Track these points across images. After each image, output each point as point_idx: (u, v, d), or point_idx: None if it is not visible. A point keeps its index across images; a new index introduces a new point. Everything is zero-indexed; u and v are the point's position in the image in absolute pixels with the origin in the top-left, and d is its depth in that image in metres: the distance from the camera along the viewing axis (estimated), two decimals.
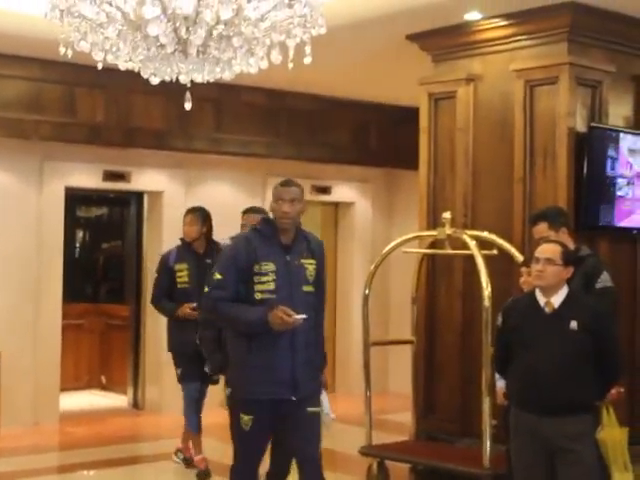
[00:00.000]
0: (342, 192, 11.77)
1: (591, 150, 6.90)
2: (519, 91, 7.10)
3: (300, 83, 9.61)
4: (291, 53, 4.29)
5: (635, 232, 7.35)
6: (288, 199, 5.05)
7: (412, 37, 7.72)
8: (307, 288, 5.13)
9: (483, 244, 6.80)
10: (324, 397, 5.47)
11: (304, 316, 4.91)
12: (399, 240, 7.35)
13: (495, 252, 6.74)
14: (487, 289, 6.41)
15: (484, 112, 7.44)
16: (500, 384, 5.85)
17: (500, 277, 6.68)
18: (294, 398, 5.05)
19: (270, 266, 5.01)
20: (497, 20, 7.25)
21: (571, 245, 5.61)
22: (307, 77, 8.04)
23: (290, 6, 4.03)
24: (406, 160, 9.63)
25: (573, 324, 4.88)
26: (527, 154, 7.06)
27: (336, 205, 12.00)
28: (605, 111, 7.10)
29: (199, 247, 7.57)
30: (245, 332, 5.05)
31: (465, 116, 7.49)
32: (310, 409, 5.15)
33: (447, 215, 7.00)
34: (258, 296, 5.01)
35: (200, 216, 7.60)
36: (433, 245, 7.33)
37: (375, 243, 11.45)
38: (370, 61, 8.61)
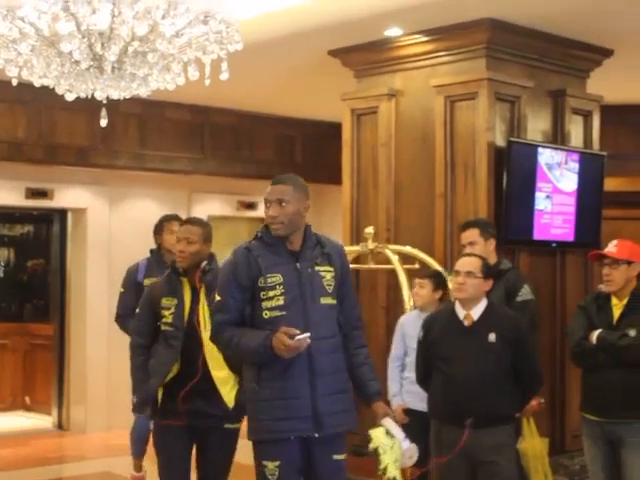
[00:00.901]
0: None
1: (510, 164, 7.00)
2: (439, 106, 7.18)
3: (224, 99, 9.60)
4: (207, 69, 4.28)
5: (554, 245, 7.46)
6: (274, 200, 4.26)
7: (334, 53, 7.76)
8: (326, 300, 4.28)
9: (407, 258, 6.85)
10: (392, 425, 4.36)
11: (308, 335, 4.04)
12: None
13: (417, 266, 6.79)
14: (409, 303, 6.45)
15: (406, 127, 7.51)
16: (397, 400, 5.90)
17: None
18: (317, 435, 4.21)
19: (277, 278, 4.19)
20: (417, 36, 7.32)
21: (494, 258, 5.69)
22: (231, 93, 8.04)
23: (205, 22, 4.02)
24: (330, 175, 9.66)
25: (492, 336, 4.93)
26: (448, 169, 7.13)
27: (262, 221, 11.90)
28: (524, 126, 7.20)
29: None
30: (256, 362, 4.24)
31: (387, 131, 7.55)
32: (336, 456, 4.29)
33: (370, 230, 7.05)
34: (266, 315, 4.20)
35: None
36: (357, 260, 7.36)
37: None
38: (293, 77, 8.63)
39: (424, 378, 5.27)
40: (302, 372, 4.17)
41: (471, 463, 4.95)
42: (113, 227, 10.35)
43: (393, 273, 6.87)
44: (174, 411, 5.09)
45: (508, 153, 6.99)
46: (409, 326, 5.95)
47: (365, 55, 7.66)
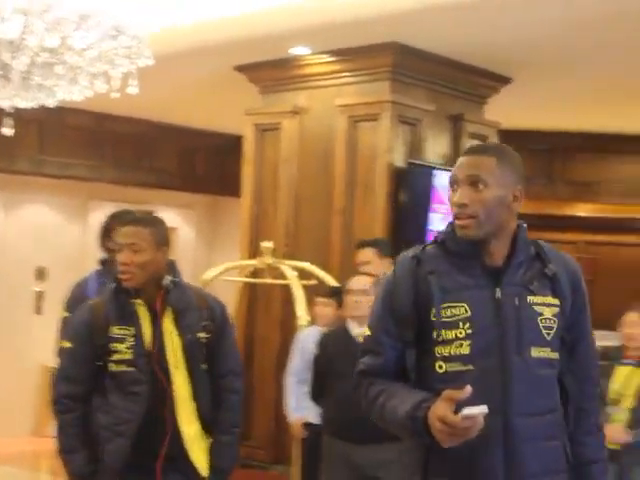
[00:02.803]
0: (166, 217, 11.59)
1: (408, 185, 7.14)
2: (342, 126, 7.29)
3: (127, 107, 9.55)
4: (116, 83, 4.29)
5: None
6: (463, 178, 2.70)
7: (240, 68, 7.81)
8: (541, 352, 2.66)
9: (305, 274, 6.93)
10: None
11: (484, 409, 2.39)
12: (220, 268, 7.40)
13: (314, 282, 6.88)
14: (303, 319, 6.52)
15: (308, 144, 7.59)
16: (295, 414, 5.98)
17: None
18: None
19: (461, 309, 2.63)
20: (324, 56, 7.42)
21: None
22: (134, 102, 7.98)
23: (114, 38, 4.04)
24: (231, 188, 9.70)
25: None
26: (347, 187, 7.25)
27: None
28: (423, 148, 7.36)
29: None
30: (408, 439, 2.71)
31: (289, 148, 7.63)
32: None
33: (267, 244, 7.11)
34: (441, 368, 2.63)
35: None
36: (254, 274, 7.41)
37: (197, 270, 11.43)
38: (199, 89, 8.65)
39: (318, 394, 5.35)
40: (493, 470, 2.58)
41: (361, 478, 5.03)
42: (7, 233, 10.18)
43: (290, 288, 6.94)
44: None
45: (406, 174, 7.14)
46: (309, 342, 6.01)
47: (271, 72, 7.73)
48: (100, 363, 3.74)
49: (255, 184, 7.82)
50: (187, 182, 11.15)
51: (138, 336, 3.72)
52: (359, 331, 5.11)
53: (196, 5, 6.19)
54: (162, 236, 3.90)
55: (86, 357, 3.77)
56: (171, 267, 3.94)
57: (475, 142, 7.81)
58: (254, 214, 7.81)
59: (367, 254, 5.86)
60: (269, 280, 7.22)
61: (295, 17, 6.49)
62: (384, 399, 2.65)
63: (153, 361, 3.71)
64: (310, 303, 6.50)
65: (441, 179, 7.40)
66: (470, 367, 2.58)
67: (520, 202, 2.74)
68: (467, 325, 2.60)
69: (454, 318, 2.62)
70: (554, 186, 10.94)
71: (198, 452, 3.84)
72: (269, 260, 7.07)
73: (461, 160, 2.74)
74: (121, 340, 3.71)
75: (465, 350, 2.59)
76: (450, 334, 2.61)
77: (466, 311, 2.62)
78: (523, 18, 6.35)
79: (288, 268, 6.89)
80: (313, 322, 6.29)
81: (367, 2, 6.15)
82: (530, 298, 2.68)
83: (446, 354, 2.61)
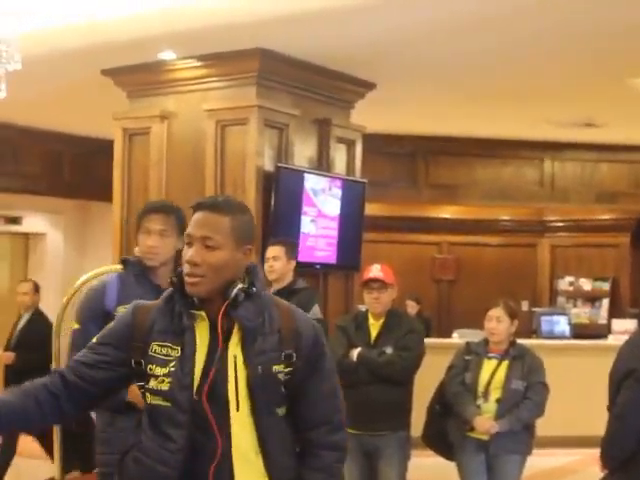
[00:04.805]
0: (33, 223, 11.58)
1: (278, 188, 7.27)
2: (211, 130, 7.36)
3: None
4: None
5: (318, 267, 7.79)
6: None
7: (107, 72, 7.79)
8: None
9: None
10: None
11: None
12: (91, 273, 7.34)
13: None
14: None
15: (177, 149, 7.64)
16: None
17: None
18: None
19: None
20: (191, 61, 7.48)
21: (291, 277, 5.92)
22: None
23: None
24: (100, 192, 9.64)
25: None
26: (218, 190, 7.31)
27: (27, 236, 11.77)
28: (291, 152, 7.50)
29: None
30: None
31: (159, 152, 7.66)
32: None
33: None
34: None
35: None
36: None
37: (67, 275, 11.33)
38: (66, 93, 8.56)
39: None
40: None
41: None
42: None
43: None
44: None
45: (276, 178, 7.27)
46: None
47: (138, 76, 7.74)
48: (141, 384, 2.78)
49: (125, 188, 7.82)
50: (55, 187, 11.01)
51: (185, 360, 2.70)
52: None
53: (61, 9, 6.17)
54: (246, 230, 2.82)
55: (117, 360, 2.78)
56: (250, 272, 2.84)
57: (342, 146, 8.04)
58: (125, 218, 7.80)
59: (277, 251, 5.95)
60: None
61: (162, 22, 6.53)
62: None
63: (202, 397, 2.68)
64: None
65: (311, 182, 7.57)
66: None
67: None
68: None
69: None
70: (417, 189, 11.25)
71: None
72: None
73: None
74: (162, 363, 2.72)
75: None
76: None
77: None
78: (385, 25, 6.55)
79: None
80: None
81: (233, 8, 6.25)
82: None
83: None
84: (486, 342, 5.79)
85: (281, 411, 2.77)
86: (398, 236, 12.00)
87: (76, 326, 3.97)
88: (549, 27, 6.59)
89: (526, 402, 5.59)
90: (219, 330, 2.70)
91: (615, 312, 12.09)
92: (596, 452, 3.94)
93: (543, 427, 5.99)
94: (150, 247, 3.96)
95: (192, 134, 7.56)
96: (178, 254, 2.81)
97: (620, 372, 4.02)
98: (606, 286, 12.66)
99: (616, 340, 10.30)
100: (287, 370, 2.75)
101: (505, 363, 5.66)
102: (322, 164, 7.88)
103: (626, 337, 4.17)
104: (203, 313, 2.73)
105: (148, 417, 2.76)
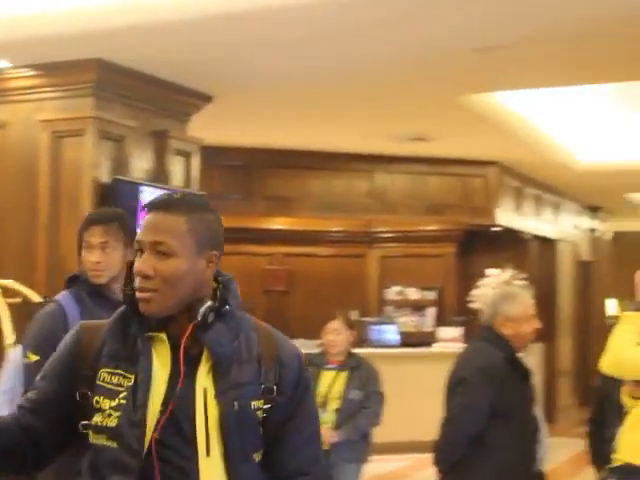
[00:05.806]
0: None
1: (114, 201, 7.19)
2: (45, 141, 7.24)
3: None
4: None
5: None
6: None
7: None
8: None
9: (9, 291, 6.80)
10: None
11: None
12: None
13: (19, 300, 6.77)
14: (11, 337, 6.41)
15: (10, 159, 7.47)
16: None
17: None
18: None
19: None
20: (25, 70, 7.34)
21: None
22: None
23: None
24: None
25: None
26: (52, 202, 7.20)
27: None
28: (128, 164, 7.45)
29: None
30: None
31: None
32: None
33: None
34: None
35: None
36: None
37: None
38: None
39: None
40: None
41: None
42: None
43: None
44: None
45: (113, 190, 7.21)
46: (18, 359, 5.93)
47: None
48: (78, 422, 2.22)
49: None
50: None
51: (137, 390, 2.16)
52: None
53: None
54: (209, 233, 2.31)
55: (59, 395, 2.27)
56: (225, 288, 2.33)
57: (180, 158, 8.05)
58: None
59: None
60: None
61: None
62: None
63: (161, 438, 2.12)
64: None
65: (147, 195, 7.53)
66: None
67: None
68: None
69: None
70: (251, 201, 11.33)
71: None
72: None
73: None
74: (111, 394, 2.18)
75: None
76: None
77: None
78: (221, 39, 6.64)
79: None
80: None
81: (71, 18, 6.19)
82: None
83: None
84: (324, 353, 5.93)
85: (258, 456, 2.24)
86: (230, 248, 11.95)
87: (34, 358, 3.39)
88: (380, 45, 6.81)
89: (364, 411, 5.77)
90: (180, 356, 2.17)
91: (441, 320, 12.52)
92: (425, 457, 4.14)
93: (376, 433, 6.19)
94: (93, 263, 3.63)
95: (26, 145, 7.41)
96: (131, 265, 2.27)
97: (452, 380, 4.31)
98: (433, 295, 13.07)
99: (442, 347, 10.70)
100: (266, 407, 2.23)
101: (343, 374, 5.83)
102: (159, 176, 7.86)
103: (451, 344, 4.42)
104: (163, 335, 2.22)
105: (89, 462, 2.20)
